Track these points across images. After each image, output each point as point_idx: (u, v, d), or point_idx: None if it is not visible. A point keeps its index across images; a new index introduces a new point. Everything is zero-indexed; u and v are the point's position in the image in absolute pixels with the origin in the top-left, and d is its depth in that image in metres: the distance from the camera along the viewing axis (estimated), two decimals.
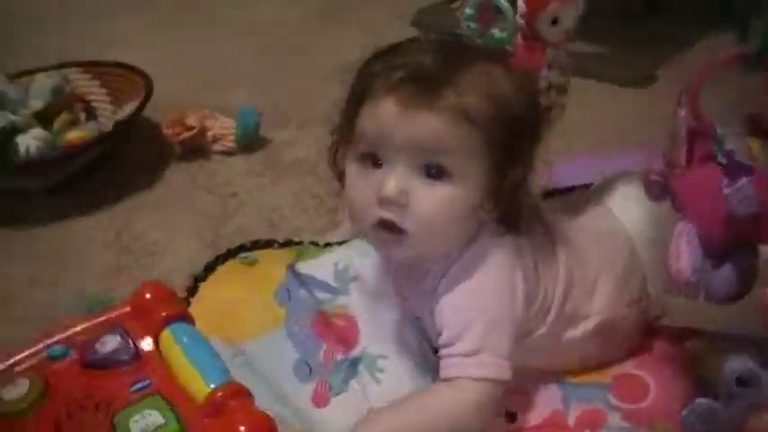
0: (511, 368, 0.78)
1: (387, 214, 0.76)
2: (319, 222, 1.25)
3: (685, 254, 0.71)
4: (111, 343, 0.73)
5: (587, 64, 1.53)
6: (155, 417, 0.65)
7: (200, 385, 0.68)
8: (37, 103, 1.37)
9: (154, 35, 2.02)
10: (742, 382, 0.71)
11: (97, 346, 0.73)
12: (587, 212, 0.95)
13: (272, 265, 1.09)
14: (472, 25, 1.00)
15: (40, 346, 0.75)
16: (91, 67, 1.56)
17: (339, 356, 0.95)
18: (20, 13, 2.17)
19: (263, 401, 0.87)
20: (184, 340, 0.73)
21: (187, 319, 0.76)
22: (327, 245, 1.14)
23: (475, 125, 0.74)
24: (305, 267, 1.07)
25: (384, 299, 0.97)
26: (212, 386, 0.67)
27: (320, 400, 0.92)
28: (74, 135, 1.36)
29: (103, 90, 1.52)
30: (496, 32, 0.99)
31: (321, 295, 1.04)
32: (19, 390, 0.70)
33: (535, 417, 0.86)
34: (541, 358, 0.87)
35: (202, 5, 2.18)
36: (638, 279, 0.90)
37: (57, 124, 1.39)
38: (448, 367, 0.79)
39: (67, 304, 1.05)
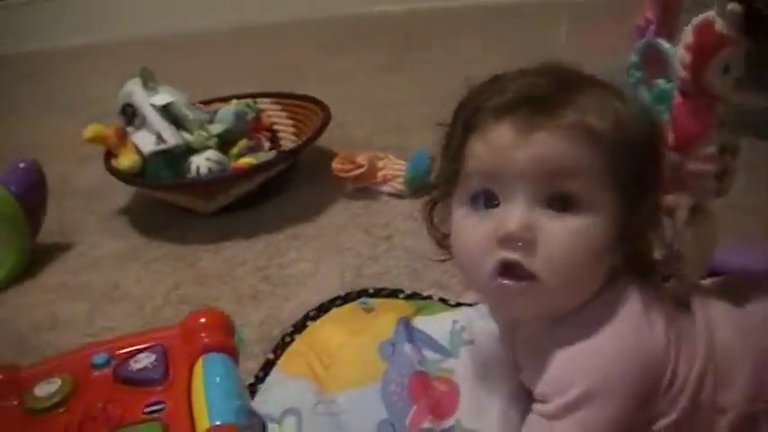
0: None
1: (511, 255, 0.65)
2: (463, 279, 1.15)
3: None
4: (144, 361, 0.71)
5: None
6: None
7: (203, 421, 0.63)
8: (217, 127, 1.41)
9: (359, 72, 2.06)
10: None
11: (131, 361, 0.72)
12: (740, 291, 0.78)
13: (389, 314, 1.02)
14: (637, 74, 0.88)
15: (88, 351, 0.75)
16: (281, 98, 1.60)
17: (426, 424, 0.86)
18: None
19: None
20: (210, 371, 0.68)
21: (228, 351, 0.72)
22: (458, 305, 1.05)
23: (600, 145, 0.64)
24: (421, 322, 0.98)
25: (495, 370, 0.86)
26: (211, 424, 0.62)
27: None
28: (244, 160, 1.39)
29: (290, 121, 1.56)
30: (662, 83, 0.87)
31: (429, 354, 0.95)
32: (50, 388, 0.70)
33: None
34: None
35: (413, 45, 2.20)
36: None
37: (235, 149, 1.43)
38: (525, 424, 0.70)
39: None
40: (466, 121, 0.70)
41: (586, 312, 0.68)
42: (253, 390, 0.95)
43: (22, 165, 1.28)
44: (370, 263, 1.24)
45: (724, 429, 0.69)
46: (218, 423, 0.63)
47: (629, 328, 0.67)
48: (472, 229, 0.68)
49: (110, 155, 1.41)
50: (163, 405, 0.67)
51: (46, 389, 0.70)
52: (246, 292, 1.20)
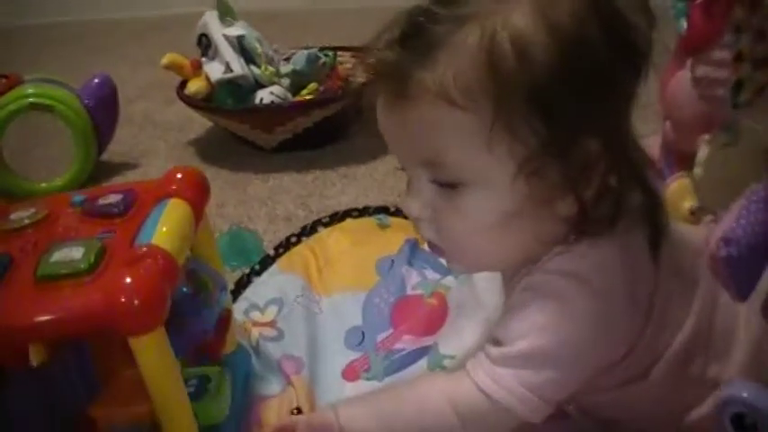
0: (541, 412, 0.60)
1: (421, 233, 0.63)
2: None
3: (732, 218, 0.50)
4: (110, 199, 0.73)
5: None
6: (77, 252, 0.63)
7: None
8: (287, 67, 1.45)
9: None
10: (743, 425, 0.45)
11: (100, 199, 0.74)
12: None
13: (401, 234, 1.02)
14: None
15: (71, 193, 0.78)
16: (359, 52, 1.60)
17: (399, 345, 0.85)
18: None
19: (297, 349, 0.85)
20: (161, 209, 0.70)
21: (191, 202, 0.73)
22: None
23: (461, 106, 0.54)
24: None
25: (487, 300, 0.83)
26: (144, 240, 0.64)
27: (351, 374, 0.83)
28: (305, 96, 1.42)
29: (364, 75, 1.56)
30: None
31: (431, 275, 0.94)
32: (23, 214, 0.73)
33: None
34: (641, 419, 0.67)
35: None
36: None
37: (305, 92, 1.46)
38: (471, 360, 0.63)
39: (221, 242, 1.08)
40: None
41: (553, 262, 0.60)
42: (248, 282, 0.97)
43: (96, 79, 1.36)
44: None
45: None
46: (144, 243, 0.63)
47: (581, 288, 0.59)
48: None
49: (184, 85, 1.47)
50: (113, 234, 0.68)
51: (19, 214, 0.73)
52: (282, 215, 1.23)
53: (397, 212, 1.08)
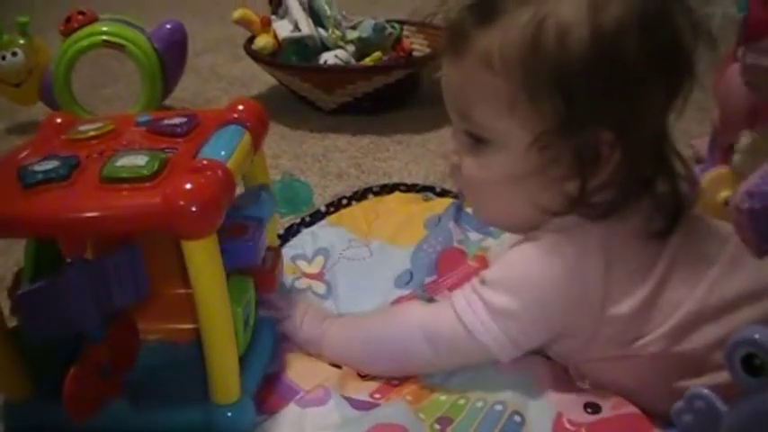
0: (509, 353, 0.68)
1: (451, 177, 0.73)
2: None
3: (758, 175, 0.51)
4: (174, 120, 0.76)
5: None
6: (141, 160, 0.66)
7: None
8: (353, 33, 1.47)
9: None
10: (752, 367, 0.45)
11: (165, 119, 0.76)
12: None
13: (444, 206, 1.04)
14: None
15: (135, 113, 0.81)
16: (425, 28, 1.62)
17: (439, 297, 0.87)
18: None
19: (350, 289, 0.88)
20: (223, 132, 0.73)
21: (250, 130, 0.76)
22: None
23: (496, 72, 0.62)
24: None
25: None
26: (206, 155, 0.67)
27: None
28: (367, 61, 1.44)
29: (428, 49, 1.58)
30: None
31: (473, 235, 0.97)
32: (91, 126, 0.76)
33: None
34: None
35: None
36: None
37: (368, 60, 1.48)
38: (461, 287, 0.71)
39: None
40: None
41: (539, 237, 0.67)
42: (297, 231, 1.00)
43: (168, 25, 1.40)
44: None
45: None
46: (204, 157, 0.66)
47: (555, 252, 0.65)
48: None
49: (252, 41, 1.50)
50: (175, 150, 0.71)
51: (86, 126, 0.76)
52: (334, 171, 1.25)
53: (443, 193, 1.09)
